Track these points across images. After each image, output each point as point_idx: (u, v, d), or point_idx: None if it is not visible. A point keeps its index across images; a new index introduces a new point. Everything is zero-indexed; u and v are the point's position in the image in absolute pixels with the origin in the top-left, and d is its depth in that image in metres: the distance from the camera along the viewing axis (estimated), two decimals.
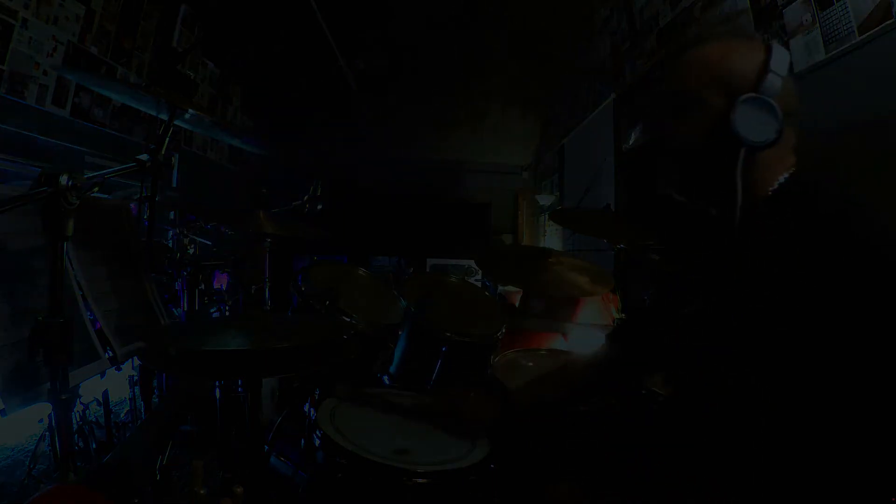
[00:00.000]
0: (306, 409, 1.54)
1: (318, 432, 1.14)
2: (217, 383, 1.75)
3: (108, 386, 1.87)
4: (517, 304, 2.80)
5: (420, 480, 1.04)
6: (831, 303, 0.79)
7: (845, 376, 0.81)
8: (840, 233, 0.83)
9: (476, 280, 4.36)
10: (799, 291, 0.79)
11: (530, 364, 1.76)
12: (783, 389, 0.80)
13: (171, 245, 2.55)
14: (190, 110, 1.59)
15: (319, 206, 2.41)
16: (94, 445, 1.84)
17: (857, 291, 0.80)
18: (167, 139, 1.47)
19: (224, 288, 2.73)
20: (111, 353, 1.34)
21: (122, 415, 2.24)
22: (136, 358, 1.66)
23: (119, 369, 1.40)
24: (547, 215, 5.64)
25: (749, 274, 0.84)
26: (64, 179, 0.96)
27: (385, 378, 1.72)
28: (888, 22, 1.53)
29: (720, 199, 0.92)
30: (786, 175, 0.90)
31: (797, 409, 0.80)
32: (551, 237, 5.50)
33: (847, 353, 0.80)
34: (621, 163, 3.53)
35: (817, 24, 1.78)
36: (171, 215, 2.61)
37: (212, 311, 2.45)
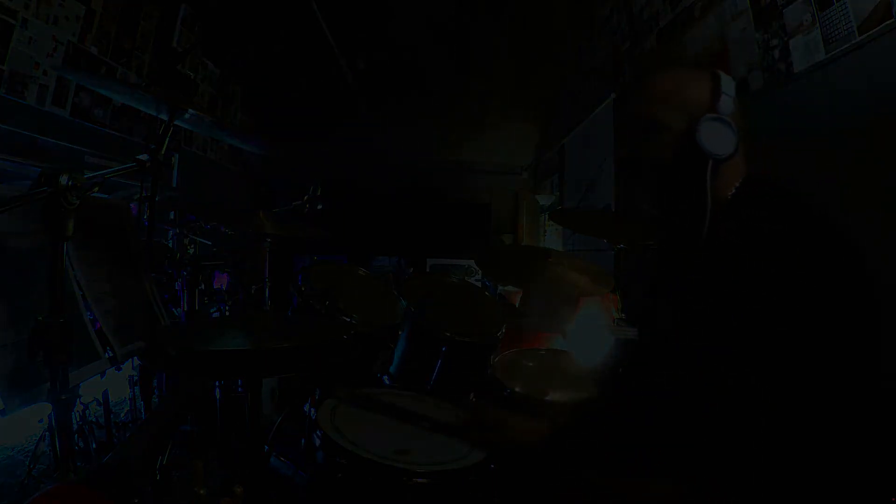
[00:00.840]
0: (306, 409, 1.54)
1: (318, 432, 1.14)
2: (217, 383, 1.75)
3: (108, 386, 1.87)
4: (517, 304, 2.80)
5: (420, 480, 1.04)
6: (824, 302, 0.80)
7: (844, 376, 0.81)
8: (821, 232, 0.86)
9: (476, 280, 4.36)
10: (794, 291, 0.80)
11: (530, 364, 1.76)
12: (783, 389, 0.80)
13: (171, 245, 2.55)
14: (190, 110, 1.59)
15: (319, 206, 2.41)
16: (94, 445, 1.84)
17: (847, 290, 0.81)
18: (167, 139, 1.47)
19: (224, 288, 2.73)
20: (111, 353, 1.35)
21: (122, 415, 2.24)
22: (136, 358, 1.66)
23: (119, 369, 1.40)
24: (547, 215, 5.64)
25: (747, 275, 0.84)
26: (64, 179, 0.96)
27: (385, 378, 1.72)
28: (888, 22, 1.52)
29: (690, 207, 1.01)
30: (740, 180, 1.01)
31: (797, 408, 0.80)
32: (551, 237, 5.50)
33: (846, 352, 0.80)
34: (621, 163, 3.53)
35: (817, 24, 1.78)
36: (171, 215, 2.61)
37: (212, 311, 2.45)
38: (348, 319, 1.76)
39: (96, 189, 1.10)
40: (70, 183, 0.96)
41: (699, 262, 0.97)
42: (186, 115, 1.63)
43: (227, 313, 2.49)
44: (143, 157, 1.34)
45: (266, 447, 1.47)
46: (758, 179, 1.01)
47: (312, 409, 1.37)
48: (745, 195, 0.99)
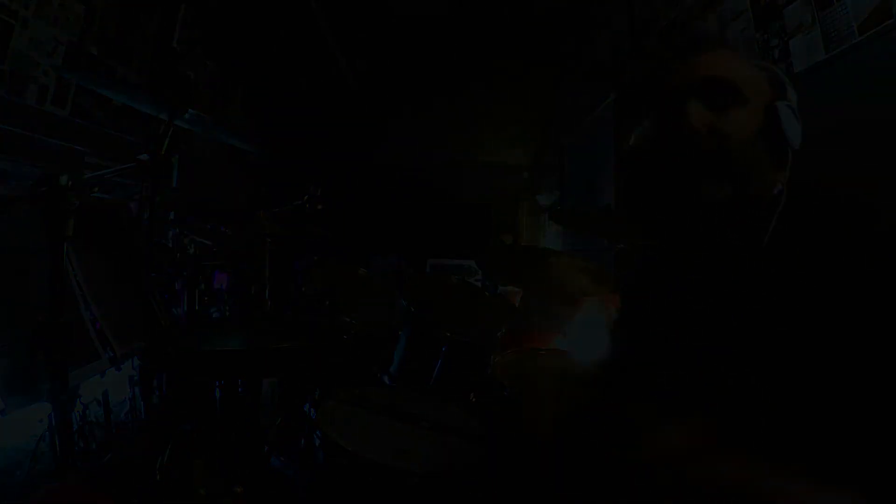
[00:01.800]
0: (306, 409, 1.54)
1: (318, 432, 1.14)
2: (217, 383, 1.75)
3: (108, 386, 1.87)
4: (517, 304, 2.80)
5: (420, 480, 1.04)
6: (832, 302, 0.79)
7: (847, 376, 0.81)
8: (837, 232, 0.85)
9: (476, 280, 4.36)
10: (798, 291, 0.80)
11: (530, 364, 1.76)
12: (783, 389, 0.80)
13: (171, 245, 2.55)
14: (190, 110, 1.59)
15: (319, 207, 2.41)
16: (94, 445, 1.84)
17: (859, 290, 0.80)
18: (167, 139, 1.47)
19: (224, 288, 2.73)
20: (111, 353, 1.34)
21: (122, 415, 2.24)
22: (136, 358, 1.66)
23: (119, 369, 1.40)
24: (547, 215, 5.64)
25: (747, 274, 0.84)
26: (64, 179, 0.96)
27: (385, 378, 1.72)
28: (888, 22, 1.53)
29: (751, 194, 0.88)
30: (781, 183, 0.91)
31: (797, 409, 0.80)
32: (551, 237, 5.49)
33: (849, 352, 0.80)
34: (621, 163, 3.53)
35: (817, 24, 1.78)
36: (171, 215, 2.61)
37: (212, 311, 2.45)
38: (348, 319, 1.76)
39: (96, 189, 1.10)
40: (70, 183, 0.97)
41: (700, 262, 0.97)
42: (186, 115, 1.63)
43: (227, 313, 2.49)
44: (144, 156, 1.34)
45: (266, 447, 1.47)
46: (796, 182, 0.92)
47: (312, 409, 1.37)
48: (787, 198, 0.91)
